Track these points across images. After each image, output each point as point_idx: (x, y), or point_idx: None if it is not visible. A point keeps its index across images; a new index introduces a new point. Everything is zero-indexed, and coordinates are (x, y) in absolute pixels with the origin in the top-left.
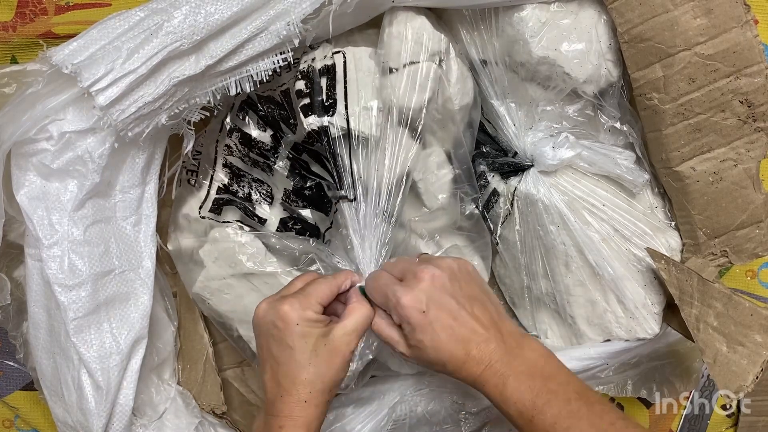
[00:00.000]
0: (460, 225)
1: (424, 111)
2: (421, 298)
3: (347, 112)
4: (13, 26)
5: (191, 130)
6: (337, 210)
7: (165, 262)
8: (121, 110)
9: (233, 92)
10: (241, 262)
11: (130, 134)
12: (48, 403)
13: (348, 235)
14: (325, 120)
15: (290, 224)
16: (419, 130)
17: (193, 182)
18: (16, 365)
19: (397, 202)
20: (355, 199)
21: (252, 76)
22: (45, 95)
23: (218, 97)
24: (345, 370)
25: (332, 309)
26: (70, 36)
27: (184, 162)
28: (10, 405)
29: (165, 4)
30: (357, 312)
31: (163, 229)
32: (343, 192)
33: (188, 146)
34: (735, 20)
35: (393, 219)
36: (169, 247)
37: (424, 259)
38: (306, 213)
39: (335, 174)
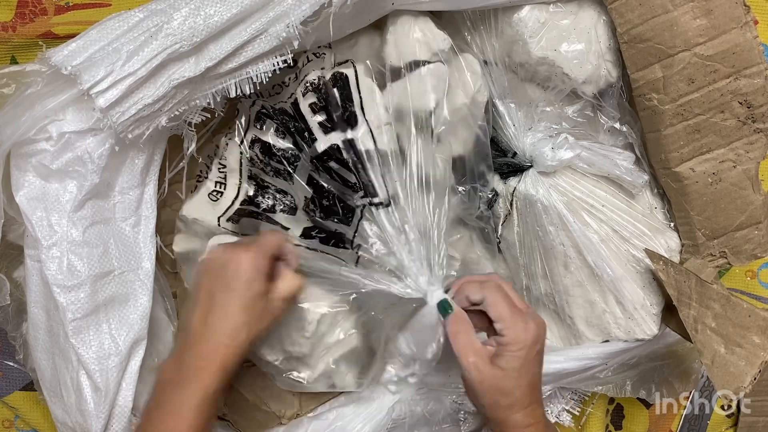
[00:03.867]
0: (476, 222)
1: (437, 108)
2: (540, 342)
3: (368, 123)
4: (13, 26)
5: (192, 131)
6: (361, 218)
7: (165, 262)
8: (121, 112)
9: (233, 94)
10: None
11: (130, 136)
12: (47, 403)
13: (388, 246)
14: (349, 134)
15: (314, 233)
16: (433, 129)
17: (217, 197)
18: (15, 366)
19: (446, 206)
20: (390, 204)
21: (252, 78)
22: (44, 96)
23: (218, 99)
24: (270, 329)
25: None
26: (69, 36)
27: (200, 173)
28: (10, 405)
29: (164, 5)
30: (292, 282)
31: (163, 230)
32: (376, 200)
33: (190, 147)
34: (735, 21)
35: (444, 217)
36: (175, 249)
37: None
38: (327, 222)
39: (367, 182)
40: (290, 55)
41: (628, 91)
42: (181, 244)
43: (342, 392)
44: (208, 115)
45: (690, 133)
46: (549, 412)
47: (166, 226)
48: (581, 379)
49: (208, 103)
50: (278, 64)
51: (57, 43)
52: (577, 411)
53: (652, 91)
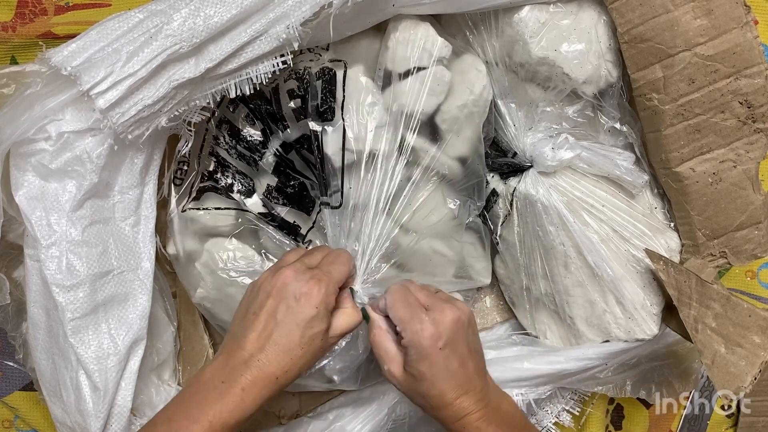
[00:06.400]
0: (469, 226)
1: (439, 110)
2: (444, 335)
3: (344, 122)
4: (12, 26)
5: (191, 131)
6: (320, 211)
7: (165, 261)
8: (120, 113)
9: (233, 95)
10: (237, 272)
11: (129, 136)
12: (47, 403)
13: (327, 242)
14: (320, 126)
15: (267, 220)
16: (438, 129)
17: (182, 175)
18: (15, 365)
19: (398, 210)
20: (340, 206)
21: (251, 79)
22: (44, 96)
23: (218, 99)
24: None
25: None
26: (69, 36)
27: (177, 158)
28: (10, 405)
29: (164, 6)
30: (351, 318)
31: (162, 230)
32: (326, 198)
33: (185, 148)
34: (735, 21)
35: (387, 227)
36: (168, 251)
37: (446, 298)
38: (285, 211)
39: (322, 180)
40: (290, 56)
41: (629, 91)
42: (171, 246)
43: (342, 392)
44: (208, 115)
45: (690, 133)
46: (548, 412)
47: (165, 226)
48: (581, 380)
49: (208, 103)
50: (278, 65)
51: (57, 43)
52: (577, 411)
53: (652, 91)
